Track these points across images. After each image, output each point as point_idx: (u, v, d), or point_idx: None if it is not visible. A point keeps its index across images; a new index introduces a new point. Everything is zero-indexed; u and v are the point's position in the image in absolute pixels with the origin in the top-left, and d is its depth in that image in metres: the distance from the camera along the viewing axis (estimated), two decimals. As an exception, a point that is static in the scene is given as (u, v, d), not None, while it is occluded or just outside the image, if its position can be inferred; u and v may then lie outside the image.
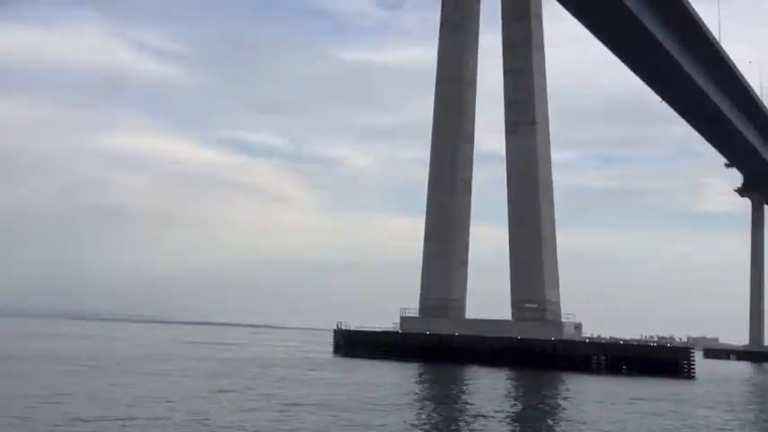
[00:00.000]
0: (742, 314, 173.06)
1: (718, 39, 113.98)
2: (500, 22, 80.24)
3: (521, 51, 77.31)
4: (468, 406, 35.33)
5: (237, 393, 34.53)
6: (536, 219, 75.03)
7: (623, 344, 72.61)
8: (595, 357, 67.81)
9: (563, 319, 74.35)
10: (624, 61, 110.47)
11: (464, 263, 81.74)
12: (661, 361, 67.49)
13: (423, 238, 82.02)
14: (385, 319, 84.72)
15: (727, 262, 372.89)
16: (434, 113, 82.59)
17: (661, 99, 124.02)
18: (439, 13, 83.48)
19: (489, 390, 44.79)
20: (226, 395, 33.48)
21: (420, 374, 56.99)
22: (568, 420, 30.85)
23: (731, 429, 30.96)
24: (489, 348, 72.06)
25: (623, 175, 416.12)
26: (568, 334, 72.97)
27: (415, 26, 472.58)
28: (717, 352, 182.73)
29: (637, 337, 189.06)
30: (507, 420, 30.01)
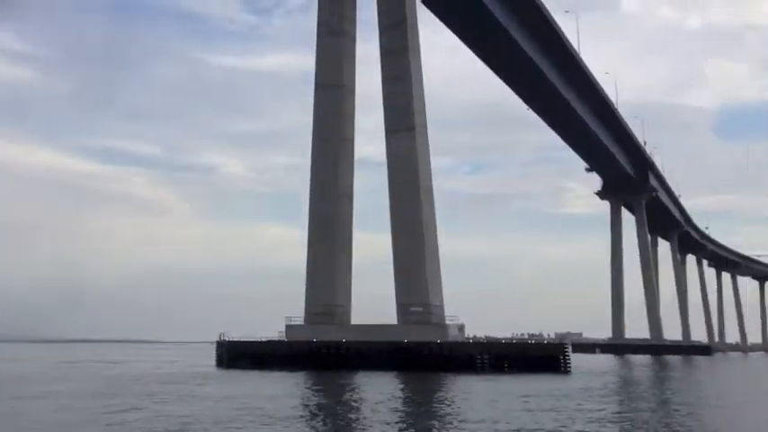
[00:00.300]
0: (605, 309, 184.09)
1: (578, 50, 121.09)
2: (377, 28, 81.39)
3: (398, 58, 78.56)
4: (361, 412, 35.14)
5: (127, 414, 32.63)
6: (418, 223, 76.30)
7: (505, 343, 75.06)
8: (479, 357, 69.69)
9: (447, 322, 75.94)
10: (493, 69, 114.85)
11: (348, 269, 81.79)
12: (540, 357, 70.33)
13: (305, 245, 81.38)
14: (271, 329, 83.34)
15: (589, 261, 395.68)
16: (314, 119, 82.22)
17: (528, 107, 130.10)
18: (310, 20, 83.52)
19: (380, 394, 44.75)
20: (116, 416, 31.54)
21: (309, 383, 56.27)
22: (464, 420, 31.31)
23: (617, 419, 32.72)
24: (377, 353, 72.43)
25: (492, 180, 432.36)
26: (452, 335, 74.60)
27: (286, 32, 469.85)
28: (583, 346, 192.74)
29: (508, 335, 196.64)
30: (404, 424, 30.08)
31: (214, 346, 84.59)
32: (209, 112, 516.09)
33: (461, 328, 77.41)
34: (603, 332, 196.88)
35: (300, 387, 51.91)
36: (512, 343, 75.17)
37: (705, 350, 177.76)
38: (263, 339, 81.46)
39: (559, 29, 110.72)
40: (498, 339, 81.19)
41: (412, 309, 75.46)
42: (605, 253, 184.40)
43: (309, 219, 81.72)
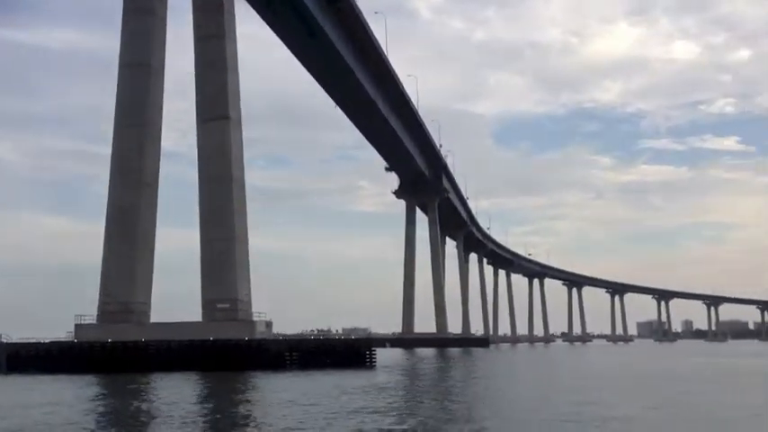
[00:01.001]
0: (393, 305, 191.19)
1: (386, 52, 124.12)
2: (191, 11, 77.30)
3: (213, 44, 75.19)
4: (150, 415, 33.18)
5: None
6: (229, 217, 73.65)
7: (314, 339, 74.85)
8: (288, 354, 68.74)
9: (254, 318, 74.09)
10: (306, 67, 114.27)
11: (150, 264, 76.81)
12: (347, 353, 70.98)
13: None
14: (58, 329, 76.04)
15: (379, 258, 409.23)
16: (117, 102, 76.13)
17: (335, 104, 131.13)
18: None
19: (177, 395, 42.45)
20: None
21: (102, 387, 52.08)
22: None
23: (434, 409, 33.80)
24: (178, 352, 68.74)
25: (288, 176, 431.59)
26: (260, 332, 72.93)
27: (70, 7, 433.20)
28: (374, 341, 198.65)
29: (298, 331, 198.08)
30: (191, 426, 28.72)
31: None
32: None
33: (269, 324, 75.97)
34: (392, 327, 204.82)
35: (92, 392, 47.67)
36: (320, 339, 75.28)
37: (484, 342, 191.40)
38: (49, 341, 74.09)
39: (370, 29, 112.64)
40: (303, 336, 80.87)
41: (219, 305, 72.66)
42: (394, 251, 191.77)
43: (108, 209, 75.60)
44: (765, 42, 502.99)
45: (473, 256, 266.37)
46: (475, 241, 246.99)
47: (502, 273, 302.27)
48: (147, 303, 76.73)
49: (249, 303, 74.98)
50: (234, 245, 73.29)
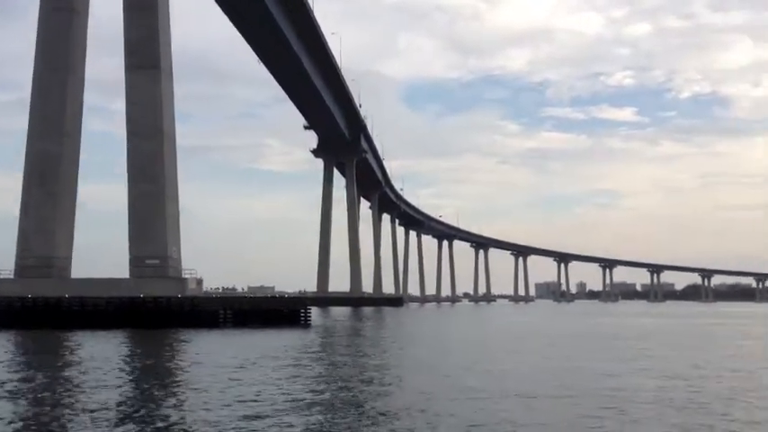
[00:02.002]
0: (300, 264, 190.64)
1: (312, 6, 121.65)
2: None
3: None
4: (80, 373, 31.36)
5: None
6: (159, 171, 71.08)
7: (248, 297, 73.88)
8: (222, 312, 67.65)
9: (185, 275, 72.37)
10: (229, 16, 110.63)
11: (71, 217, 73.41)
12: (281, 312, 70.55)
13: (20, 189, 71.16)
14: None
15: (291, 218, 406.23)
16: (37, 46, 71.51)
17: (259, 60, 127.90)
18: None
19: (105, 354, 40.43)
20: None
21: (18, 344, 49.75)
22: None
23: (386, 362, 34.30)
24: (105, 309, 66.40)
25: (198, 132, 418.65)
26: (191, 290, 71.37)
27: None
28: (308, 300, 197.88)
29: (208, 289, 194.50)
30: (120, 381, 28.07)
31: None
32: None
33: (200, 282, 74.44)
34: (300, 286, 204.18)
35: (7, 349, 45.39)
36: (255, 297, 74.36)
37: (398, 302, 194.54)
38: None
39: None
40: (238, 294, 79.79)
41: (147, 261, 70.43)
42: (303, 210, 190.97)
43: (26, 160, 71.53)
44: (664, 17, 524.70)
45: (385, 217, 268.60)
46: (388, 202, 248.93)
47: (412, 234, 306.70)
48: (68, 258, 73.58)
49: (179, 260, 73.14)
50: (164, 200, 70.99)
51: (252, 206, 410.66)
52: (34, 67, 71.57)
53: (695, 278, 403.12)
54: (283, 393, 24.17)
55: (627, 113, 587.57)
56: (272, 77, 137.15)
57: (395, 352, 44.70)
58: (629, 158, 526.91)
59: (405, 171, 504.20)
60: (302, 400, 22.69)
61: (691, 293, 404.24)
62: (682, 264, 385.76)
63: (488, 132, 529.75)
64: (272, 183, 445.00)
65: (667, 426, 19.07)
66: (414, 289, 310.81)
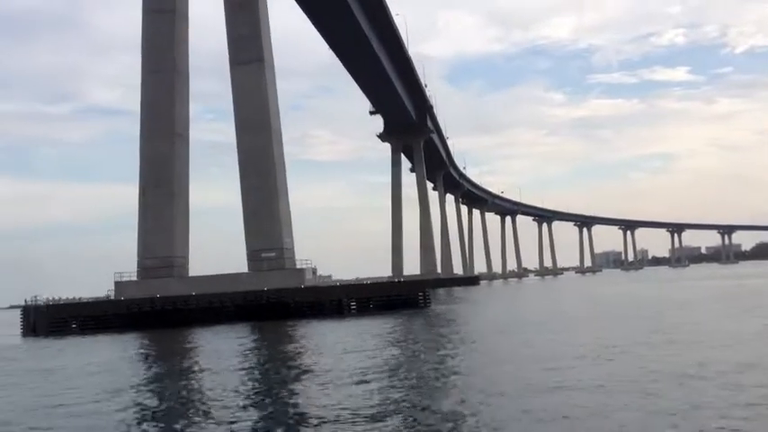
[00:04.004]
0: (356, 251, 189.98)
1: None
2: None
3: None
4: (227, 370, 30.08)
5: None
6: (270, 165, 71.42)
7: (370, 284, 74.04)
8: (346, 300, 67.92)
9: (302, 266, 72.82)
10: (303, 8, 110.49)
11: (186, 216, 74.64)
12: (402, 296, 70.53)
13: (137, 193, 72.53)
14: (97, 289, 73.68)
15: (335, 206, 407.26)
16: (143, 49, 72.55)
17: (330, 48, 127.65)
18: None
19: (240, 347, 41.21)
20: None
21: (152, 345, 50.41)
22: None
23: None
24: (228, 305, 67.30)
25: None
26: (308, 280, 71.82)
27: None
28: (426, 282, 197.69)
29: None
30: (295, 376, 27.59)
31: (18, 311, 72.65)
32: None
33: (315, 271, 74.86)
34: (354, 273, 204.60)
35: (143, 350, 45.96)
36: (375, 284, 74.50)
37: (475, 280, 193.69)
38: (88, 300, 71.80)
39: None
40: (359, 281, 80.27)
41: (264, 255, 70.99)
42: (350, 197, 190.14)
43: (140, 162, 72.72)
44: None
45: (449, 197, 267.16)
46: (452, 182, 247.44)
47: (475, 212, 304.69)
48: (185, 257, 74.84)
49: (293, 251, 73.55)
50: (276, 193, 71.32)
51: (303, 196, 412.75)
52: (142, 69, 72.62)
53: (764, 236, 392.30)
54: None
55: (680, 73, 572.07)
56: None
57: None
58: (683, 119, 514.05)
59: (453, 150, 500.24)
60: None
61: (763, 253, 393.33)
62: (749, 223, 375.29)
63: (534, 104, 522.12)
64: (322, 172, 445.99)
65: None
66: (479, 267, 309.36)
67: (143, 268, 71.86)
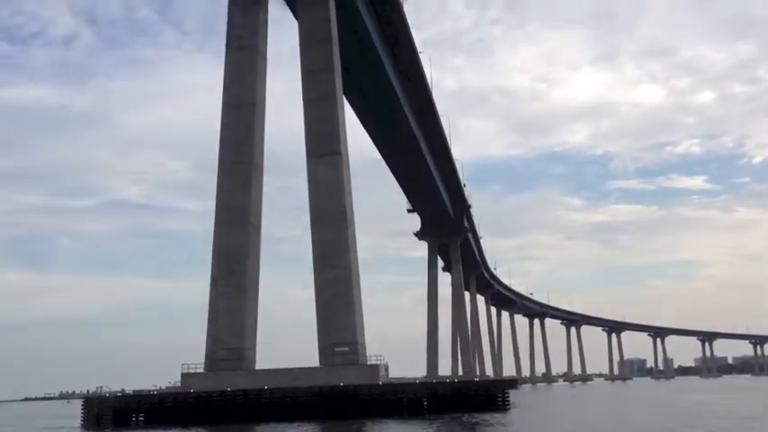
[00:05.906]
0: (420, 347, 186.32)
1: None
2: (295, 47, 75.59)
3: (321, 78, 73.30)
4: None
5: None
6: (344, 257, 70.73)
7: (447, 382, 71.75)
8: (423, 399, 65.49)
9: (375, 362, 70.71)
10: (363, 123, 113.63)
11: (255, 308, 73.39)
12: (479, 396, 68.02)
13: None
14: (161, 381, 71.67)
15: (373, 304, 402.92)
16: (221, 141, 73.67)
17: (379, 151, 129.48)
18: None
19: None
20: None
21: None
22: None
23: None
24: (299, 400, 64.95)
25: (265, 223, 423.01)
26: (381, 376, 69.56)
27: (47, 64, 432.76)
28: (507, 382, 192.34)
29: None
30: None
31: (70, 402, 70.61)
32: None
33: (387, 368, 72.66)
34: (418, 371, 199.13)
35: None
36: (454, 383, 72.04)
37: (513, 383, 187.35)
38: (155, 391, 69.69)
39: (418, 56, 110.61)
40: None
41: (337, 349, 69.14)
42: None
43: (213, 251, 72.30)
44: (728, 84, 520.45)
45: (479, 297, 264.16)
46: (484, 282, 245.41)
47: (504, 314, 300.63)
48: (253, 349, 73.01)
49: (364, 346, 71.69)
50: (351, 287, 70.23)
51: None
52: (219, 159, 73.41)
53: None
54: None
55: (698, 182, 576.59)
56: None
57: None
58: (702, 227, 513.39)
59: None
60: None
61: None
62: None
63: (552, 208, 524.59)
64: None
65: None
66: (507, 370, 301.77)
67: (211, 360, 70.06)
